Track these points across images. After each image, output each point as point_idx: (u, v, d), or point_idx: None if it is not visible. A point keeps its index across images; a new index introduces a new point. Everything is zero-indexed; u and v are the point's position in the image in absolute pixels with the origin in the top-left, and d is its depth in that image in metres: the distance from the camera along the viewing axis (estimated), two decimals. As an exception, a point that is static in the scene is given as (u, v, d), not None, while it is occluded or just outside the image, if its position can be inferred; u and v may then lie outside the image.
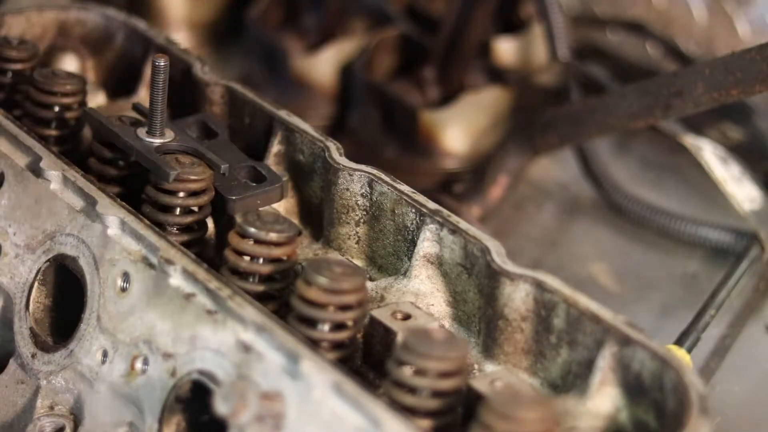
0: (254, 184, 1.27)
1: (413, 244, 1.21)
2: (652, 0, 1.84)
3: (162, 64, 1.25)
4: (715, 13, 1.77)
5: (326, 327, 1.10)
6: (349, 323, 1.11)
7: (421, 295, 1.20)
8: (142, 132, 1.27)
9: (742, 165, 1.62)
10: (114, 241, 1.18)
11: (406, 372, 1.03)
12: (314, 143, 1.30)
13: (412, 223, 1.22)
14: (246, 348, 1.06)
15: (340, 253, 1.27)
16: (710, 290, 1.48)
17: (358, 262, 1.27)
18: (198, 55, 1.45)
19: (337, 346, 1.11)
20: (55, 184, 1.25)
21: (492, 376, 1.11)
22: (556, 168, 1.77)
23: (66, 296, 1.24)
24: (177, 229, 1.23)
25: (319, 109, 1.85)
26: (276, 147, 1.33)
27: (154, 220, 1.21)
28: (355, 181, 1.26)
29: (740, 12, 1.76)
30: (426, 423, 1.03)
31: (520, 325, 1.13)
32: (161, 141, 1.26)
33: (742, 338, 1.49)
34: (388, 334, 1.14)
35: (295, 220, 1.31)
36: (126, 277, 1.16)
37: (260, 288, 1.14)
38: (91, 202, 1.21)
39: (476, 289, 1.17)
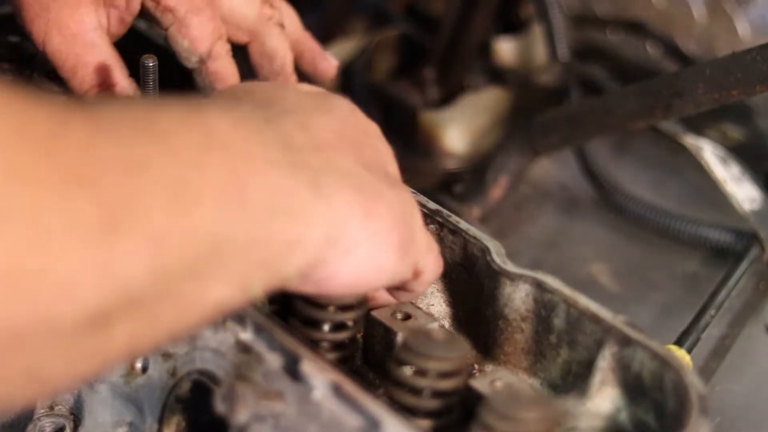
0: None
1: (413, 244, 1.21)
2: (652, 0, 1.84)
3: (150, 64, 1.22)
4: (715, 13, 1.77)
5: (326, 327, 1.10)
6: (349, 323, 1.11)
7: (421, 295, 1.20)
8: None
9: (742, 165, 1.62)
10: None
11: (407, 372, 1.03)
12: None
13: (412, 223, 1.21)
14: (246, 348, 1.06)
15: (340, 253, 1.27)
16: (710, 290, 1.47)
17: (358, 262, 1.27)
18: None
19: (337, 346, 1.10)
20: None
21: (492, 376, 1.11)
22: (556, 168, 1.77)
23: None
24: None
25: (319, 109, 1.85)
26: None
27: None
28: (355, 181, 1.25)
29: (740, 12, 1.75)
30: (426, 423, 1.03)
31: (520, 325, 1.12)
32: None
33: (742, 338, 1.49)
34: (388, 334, 1.13)
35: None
36: (126, 277, 1.16)
37: (260, 288, 1.14)
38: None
39: (476, 289, 1.16)
